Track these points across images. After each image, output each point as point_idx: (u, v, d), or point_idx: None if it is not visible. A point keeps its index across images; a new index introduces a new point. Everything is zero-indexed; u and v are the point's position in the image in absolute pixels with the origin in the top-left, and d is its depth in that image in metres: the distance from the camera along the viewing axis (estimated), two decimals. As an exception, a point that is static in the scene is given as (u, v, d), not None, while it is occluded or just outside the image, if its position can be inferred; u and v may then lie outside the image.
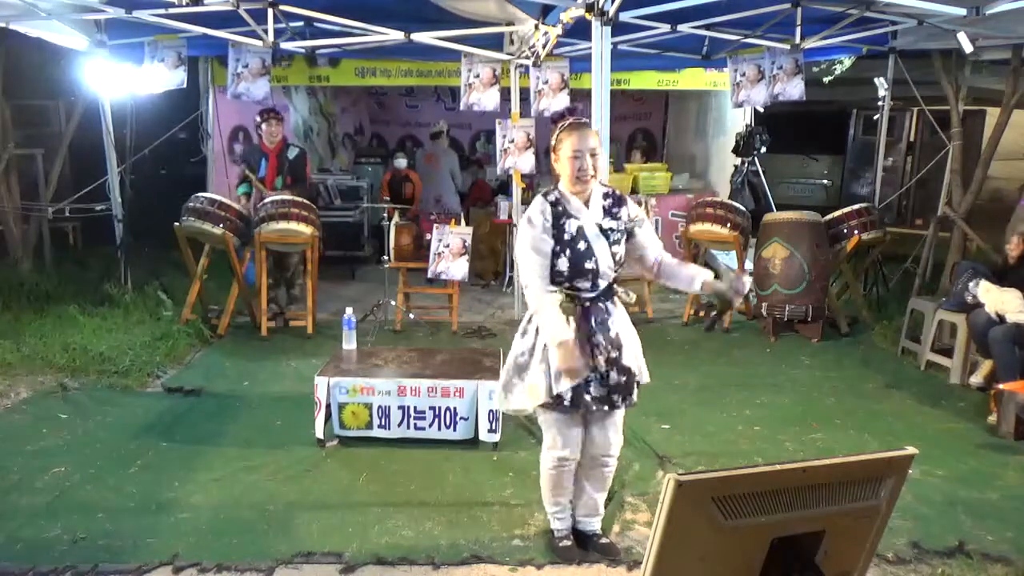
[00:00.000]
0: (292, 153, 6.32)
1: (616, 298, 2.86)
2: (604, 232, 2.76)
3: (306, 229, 5.90)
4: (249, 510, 3.39)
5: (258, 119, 6.27)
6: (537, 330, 2.77)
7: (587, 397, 2.75)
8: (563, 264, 2.72)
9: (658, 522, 1.45)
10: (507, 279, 7.70)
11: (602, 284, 2.77)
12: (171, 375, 5.18)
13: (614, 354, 2.77)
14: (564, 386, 2.71)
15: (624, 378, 2.80)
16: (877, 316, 6.47)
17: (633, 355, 2.85)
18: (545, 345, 2.73)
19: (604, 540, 3.08)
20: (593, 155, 2.73)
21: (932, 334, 5.39)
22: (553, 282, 2.73)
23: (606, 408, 2.81)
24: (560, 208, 2.74)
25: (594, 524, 3.10)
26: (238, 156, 7.48)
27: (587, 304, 2.76)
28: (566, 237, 2.72)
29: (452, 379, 4.03)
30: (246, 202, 6.25)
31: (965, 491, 3.62)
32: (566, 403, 2.75)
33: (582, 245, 2.72)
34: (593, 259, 2.73)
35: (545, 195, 2.79)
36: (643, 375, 2.89)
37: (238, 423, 4.41)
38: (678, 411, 4.58)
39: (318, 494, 3.56)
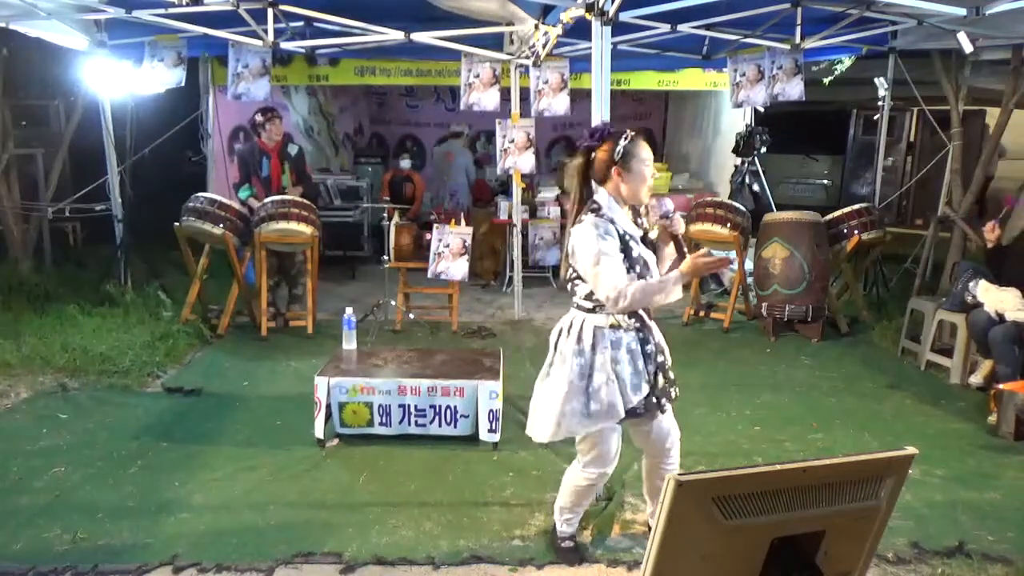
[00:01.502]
0: (293, 151, 6.30)
1: None
2: (645, 242, 2.76)
3: (306, 229, 5.90)
4: (249, 510, 3.40)
5: (260, 118, 6.19)
6: (593, 347, 2.69)
7: (654, 399, 2.77)
8: (631, 279, 2.66)
9: (658, 522, 1.45)
10: (507, 279, 7.71)
11: None
12: (171, 375, 5.18)
13: (660, 359, 2.81)
14: (637, 399, 2.71)
15: (672, 375, 2.86)
16: (877, 316, 6.47)
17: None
18: (611, 362, 2.68)
19: None
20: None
21: (932, 334, 5.39)
22: None
23: (668, 402, 2.84)
24: (617, 226, 2.66)
25: None
26: (236, 155, 7.48)
27: (640, 314, 2.74)
28: (633, 255, 2.67)
29: (452, 379, 4.03)
30: (257, 204, 6.09)
31: (965, 491, 3.62)
32: (639, 411, 2.74)
33: (642, 260, 2.70)
34: (650, 271, 2.72)
35: (598, 213, 2.66)
36: None
37: (238, 423, 4.41)
38: (678, 411, 4.48)
39: (318, 494, 3.56)
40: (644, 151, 2.68)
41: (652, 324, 2.80)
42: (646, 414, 2.78)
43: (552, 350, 2.85)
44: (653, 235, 2.83)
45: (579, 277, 2.71)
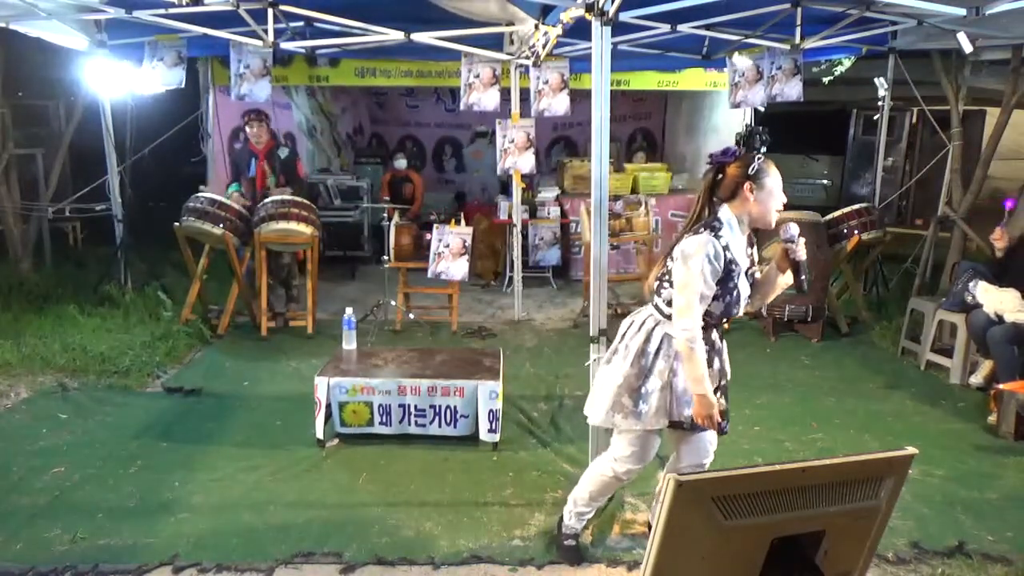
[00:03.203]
0: (283, 153, 6.31)
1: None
2: (747, 273, 2.72)
3: (306, 229, 5.90)
4: (249, 510, 3.40)
5: (243, 121, 6.28)
6: (658, 352, 2.69)
7: None
8: (718, 307, 2.64)
9: (658, 522, 1.45)
10: (507, 279, 7.71)
11: None
12: (171, 375, 5.18)
13: (723, 382, 2.79)
14: (689, 413, 2.70)
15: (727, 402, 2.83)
16: (877, 316, 6.47)
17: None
18: (670, 372, 2.68)
19: None
20: None
21: (932, 334, 5.39)
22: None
23: (723, 425, 2.81)
24: (728, 251, 2.59)
25: None
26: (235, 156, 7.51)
27: (716, 331, 2.73)
28: (731, 284, 2.61)
29: (452, 379, 4.03)
30: (239, 198, 6.23)
31: (965, 491, 3.62)
32: (685, 425, 2.73)
33: (738, 290, 2.66)
34: (740, 301, 2.70)
35: (716, 234, 2.58)
36: None
37: (238, 423, 4.41)
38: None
39: (318, 494, 3.56)
40: (776, 172, 2.65)
41: (723, 347, 2.79)
42: (693, 430, 2.76)
43: (618, 338, 2.84)
44: (758, 274, 2.77)
45: (672, 281, 2.66)
